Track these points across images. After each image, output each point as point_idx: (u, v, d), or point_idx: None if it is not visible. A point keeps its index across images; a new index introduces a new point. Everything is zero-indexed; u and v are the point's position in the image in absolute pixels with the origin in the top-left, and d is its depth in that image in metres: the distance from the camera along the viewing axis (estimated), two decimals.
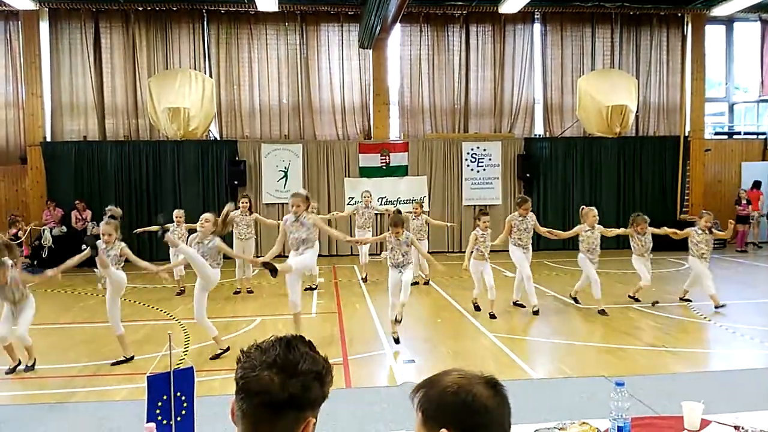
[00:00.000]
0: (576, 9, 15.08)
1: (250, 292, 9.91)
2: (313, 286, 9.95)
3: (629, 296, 8.61)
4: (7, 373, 5.85)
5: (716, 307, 8.05)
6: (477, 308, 8.19)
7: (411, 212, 10.27)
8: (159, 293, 9.96)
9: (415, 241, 6.79)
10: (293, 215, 6.46)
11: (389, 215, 12.80)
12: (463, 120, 15.47)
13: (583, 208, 8.50)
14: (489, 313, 7.79)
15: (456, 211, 15.04)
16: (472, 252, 7.87)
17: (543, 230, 8.51)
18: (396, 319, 6.56)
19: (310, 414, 1.38)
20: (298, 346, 1.41)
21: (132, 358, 6.14)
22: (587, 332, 7.26)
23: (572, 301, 8.59)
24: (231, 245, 9.75)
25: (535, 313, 7.99)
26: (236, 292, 9.88)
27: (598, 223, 8.31)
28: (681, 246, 14.07)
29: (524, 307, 8.24)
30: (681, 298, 8.63)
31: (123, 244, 6.06)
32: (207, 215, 6.45)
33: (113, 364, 6.01)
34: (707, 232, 8.29)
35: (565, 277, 10.75)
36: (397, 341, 6.56)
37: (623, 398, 2.55)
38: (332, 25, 14.99)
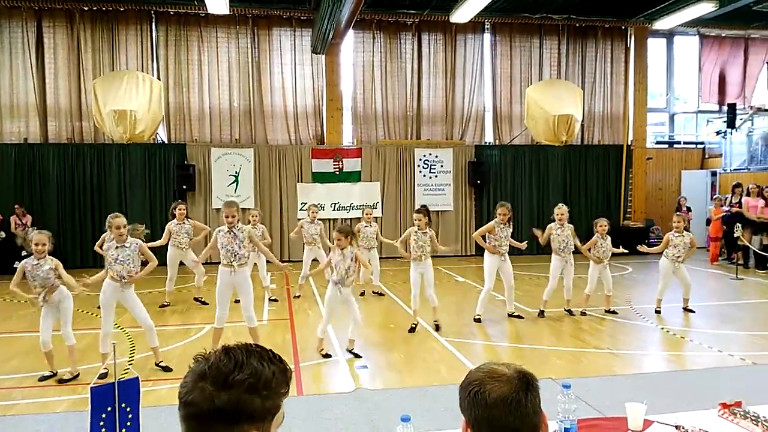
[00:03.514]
0: (525, 20, 15.43)
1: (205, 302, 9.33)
2: (273, 297, 9.69)
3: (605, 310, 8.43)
4: None
5: (656, 311, 8.39)
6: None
7: (361, 219, 10.13)
8: None
9: (359, 254, 6.34)
10: (227, 227, 6.18)
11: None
12: (416, 126, 15.59)
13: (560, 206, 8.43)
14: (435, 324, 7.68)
15: (408, 217, 15.09)
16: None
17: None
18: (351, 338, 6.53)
19: (248, 427, 1.29)
20: (236, 355, 1.32)
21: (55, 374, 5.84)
22: (535, 335, 7.40)
23: (523, 307, 8.73)
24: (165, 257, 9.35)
25: (477, 320, 8.01)
26: (163, 306, 9.13)
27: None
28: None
29: (522, 318, 8.16)
30: (656, 310, 8.43)
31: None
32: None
33: (40, 380, 5.74)
34: (683, 233, 8.22)
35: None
36: (356, 356, 6.42)
37: (570, 400, 2.60)
38: (284, 29, 14.88)
